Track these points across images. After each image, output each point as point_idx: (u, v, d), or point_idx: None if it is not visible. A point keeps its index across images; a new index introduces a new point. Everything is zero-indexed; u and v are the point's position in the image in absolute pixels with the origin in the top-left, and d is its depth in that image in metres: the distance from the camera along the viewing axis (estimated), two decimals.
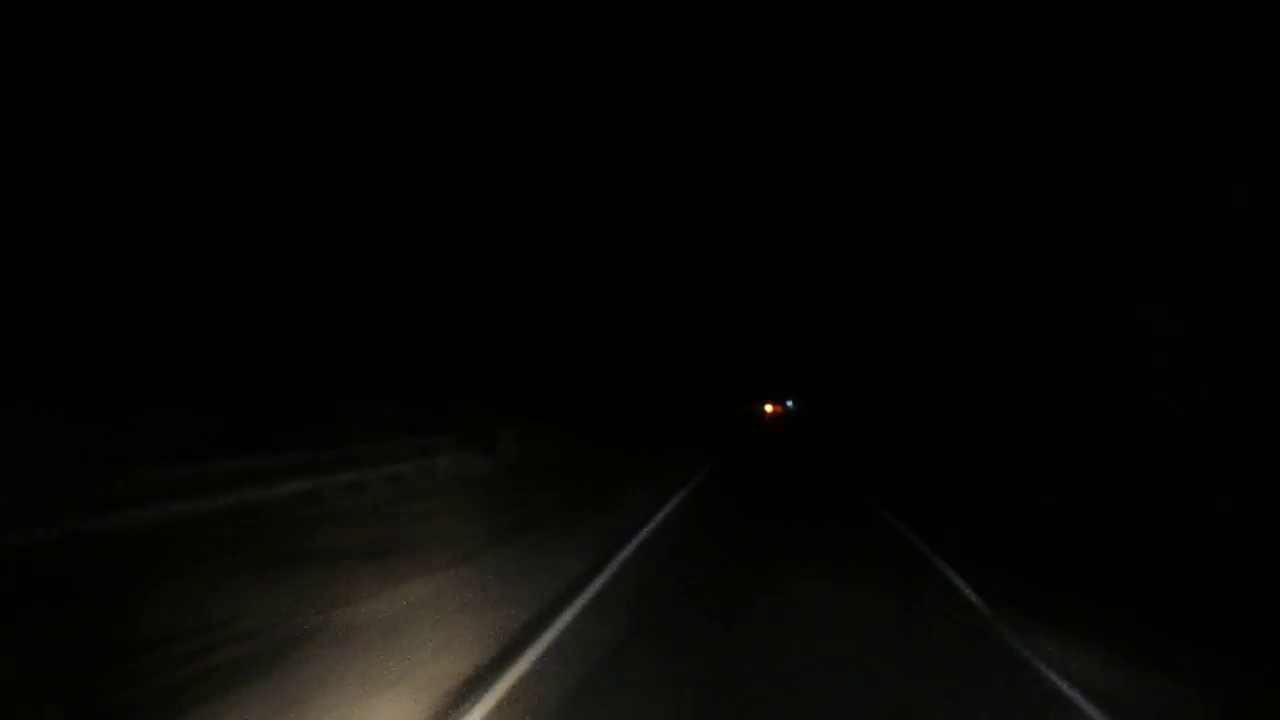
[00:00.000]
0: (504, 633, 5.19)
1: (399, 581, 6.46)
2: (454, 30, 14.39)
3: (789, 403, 52.99)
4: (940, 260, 25.53)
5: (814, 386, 47.88)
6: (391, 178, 14.50)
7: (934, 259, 26.14)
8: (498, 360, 17.57)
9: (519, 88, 15.92)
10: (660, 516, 10.87)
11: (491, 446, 15.14)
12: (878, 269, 33.22)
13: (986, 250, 20.37)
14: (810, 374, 47.26)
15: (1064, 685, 4.63)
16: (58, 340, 8.55)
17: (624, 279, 24.01)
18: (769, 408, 51.96)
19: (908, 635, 5.60)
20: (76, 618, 5.10)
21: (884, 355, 33.48)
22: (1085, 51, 12.88)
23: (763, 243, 37.95)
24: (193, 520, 7.53)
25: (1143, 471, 11.55)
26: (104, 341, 8.87)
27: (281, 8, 10.87)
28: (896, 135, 23.98)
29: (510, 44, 15.37)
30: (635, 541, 8.80)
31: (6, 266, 8.12)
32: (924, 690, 4.47)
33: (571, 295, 20.94)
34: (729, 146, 29.41)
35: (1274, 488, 8.82)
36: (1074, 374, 15.42)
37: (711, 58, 22.80)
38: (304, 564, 6.95)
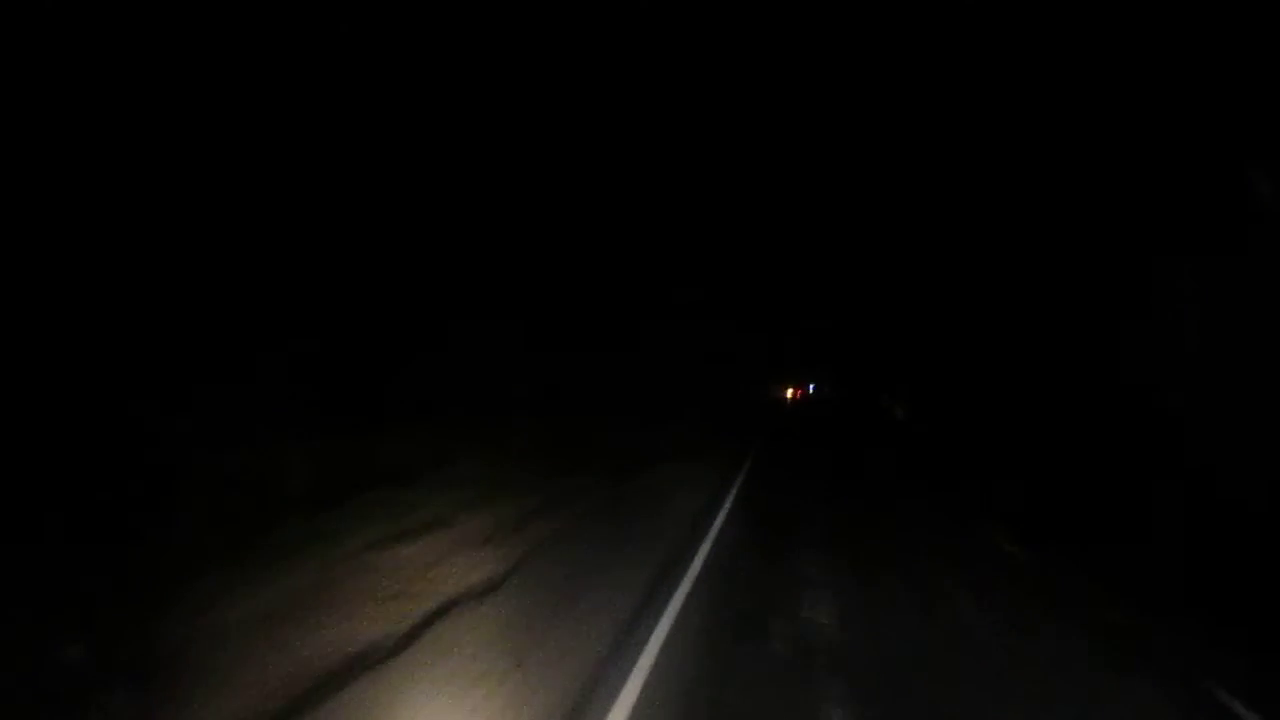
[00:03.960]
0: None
1: None
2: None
3: (810, 386, 66.84)
4: (954, 252, 25.64)
5: (830, 373, 62.33)
6: None
7: (948, 252, 26.26)
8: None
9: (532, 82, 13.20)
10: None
11: None
12: (890, 264, 33.91)
13: (1000, 247, 20.53)
14: (827, 362, 60.23)
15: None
16: None
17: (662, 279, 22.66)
18: (791, 391, 63.24)
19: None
20: None
21: (893, 346, 37.07)
22: (1112, 51, 13.13)
23: (780, 243, 38.44)
24: None
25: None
26: None
27: None
28: (913, 141, 24.16)
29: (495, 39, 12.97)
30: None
31: None
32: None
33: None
34: (733, 149, 29.35)
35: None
36: (1084, 361, 15.71)
37: (745, 52, 22.66)
38: None
